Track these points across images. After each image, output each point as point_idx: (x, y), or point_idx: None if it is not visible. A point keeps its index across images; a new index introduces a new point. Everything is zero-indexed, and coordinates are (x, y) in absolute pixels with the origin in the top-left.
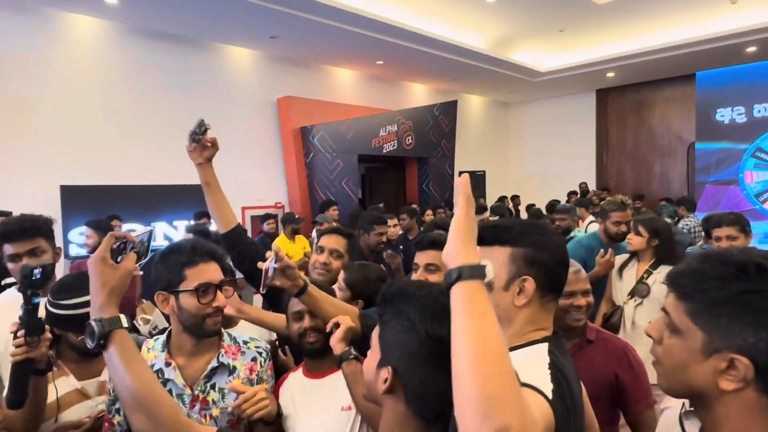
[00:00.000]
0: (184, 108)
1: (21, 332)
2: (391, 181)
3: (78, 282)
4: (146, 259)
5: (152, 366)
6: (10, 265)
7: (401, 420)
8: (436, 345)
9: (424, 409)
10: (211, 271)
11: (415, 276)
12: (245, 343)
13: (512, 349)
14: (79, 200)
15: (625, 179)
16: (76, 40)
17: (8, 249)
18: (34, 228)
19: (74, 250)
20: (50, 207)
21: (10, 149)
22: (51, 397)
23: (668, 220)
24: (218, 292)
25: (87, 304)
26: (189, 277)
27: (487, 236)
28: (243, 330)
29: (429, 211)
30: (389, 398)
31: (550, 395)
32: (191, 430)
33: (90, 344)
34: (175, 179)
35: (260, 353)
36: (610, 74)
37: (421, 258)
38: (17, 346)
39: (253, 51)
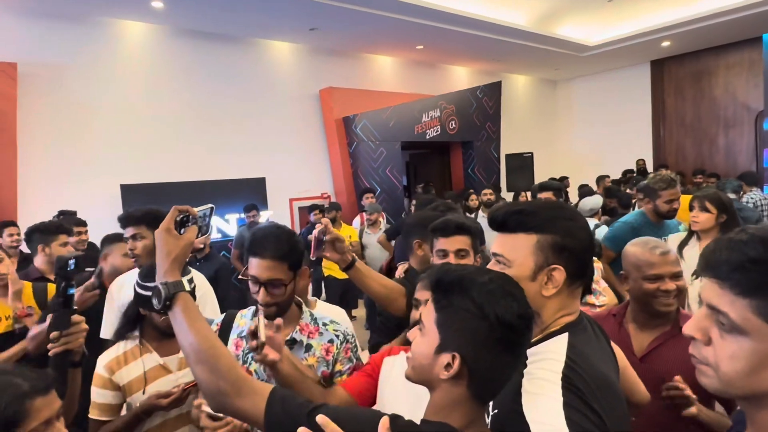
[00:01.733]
0: (231, 104)
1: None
2: (436, 167)
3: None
4: (208, 233)
5: (242, 332)
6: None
7: (457, 402)
8: (505, 330)
9: (485, 393)
10: (254, 266)
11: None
12: (324, 324)
13: (535, 343)
14: (139, 198)
15: (684, 154)
16: (127, 45)
17: (127, 232)
18: (136, 217)
19: None
20: (112, 205)
21: (74, 152)
22: (138, 371)
23: (733, 196)
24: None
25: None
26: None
27: (511, 222)
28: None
29: (473, 196)
30: (447, 382)
31: None
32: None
33: (157, 305)
34: (225, 174)
35: (337, 336)
36: (666, 43)
37: (450, 244)
38: (53, 339)
39: (294, 44)
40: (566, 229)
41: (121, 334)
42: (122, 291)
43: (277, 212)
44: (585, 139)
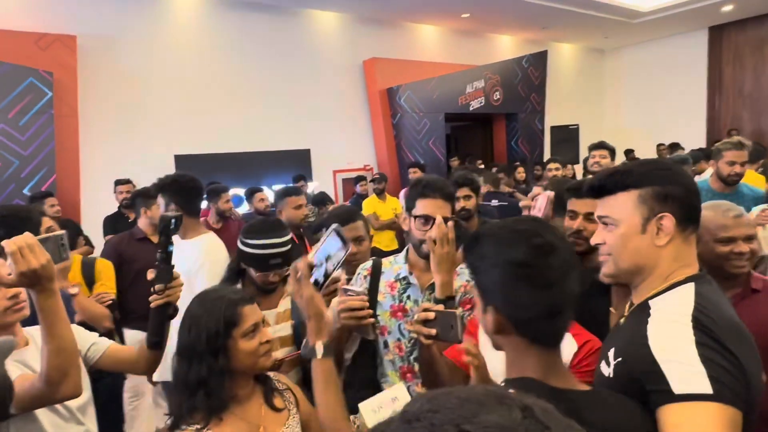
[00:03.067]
0: (277, 75)
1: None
2: (478, 140)
3: (264, 226)
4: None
5: (398, 275)
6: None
7: (521, 351)
8: (519, 269)
9: (539, 335)
10: (434, 206)
11: (573, 223)
12: (461, 268)
13: (655, 295)
14: (192, 168)
15: (741, 127)
16: (179, 17)
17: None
18: (158, 186)
19: None
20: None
21: (130, 123)
22: None
23: None
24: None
25: (268, 246)
26: (417, 207)
27: (608, 185)
28: None
29: (521, 169)
30: (503, 336)
31: (711, 389)
32: None
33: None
34: (271, 146)
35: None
36: (727, 8)
37: (581, 206)
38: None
39: (339, 14)
40: (664, 177)
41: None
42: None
43: (320, 184)
44: (634, 110)
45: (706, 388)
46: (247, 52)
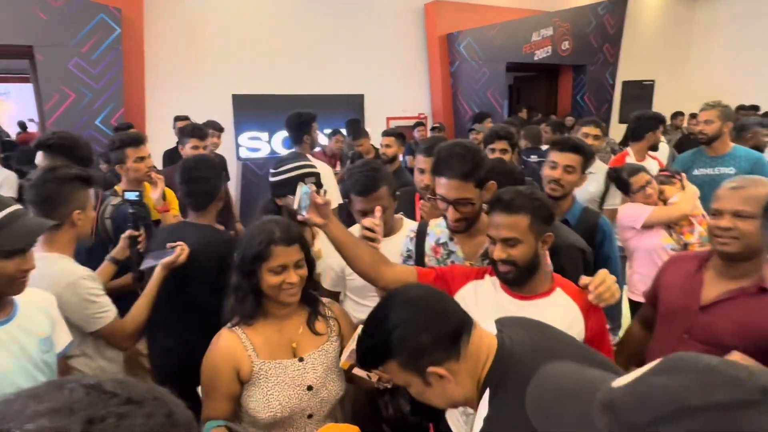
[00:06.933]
0: (336, 19)
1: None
2: (542, 92)
3: (290, 156)
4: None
5: (438, 239)
6: None
7: None
8: None
9: None
10: (442, 185)
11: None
12: None
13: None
14: (249, 108)
15: None
16: None
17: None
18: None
19: (243, 153)
20: (224, 114)
21: (189, 63)
22: None
23: None
24: None
25: (299, 167)
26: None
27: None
28: None
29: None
30: None
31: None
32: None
33: None
34: (326, 89)
35: None
36: None
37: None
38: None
39: None
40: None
41: None
42: None
43: (374, 129)
44: (721, 68)
45: None
46: None
